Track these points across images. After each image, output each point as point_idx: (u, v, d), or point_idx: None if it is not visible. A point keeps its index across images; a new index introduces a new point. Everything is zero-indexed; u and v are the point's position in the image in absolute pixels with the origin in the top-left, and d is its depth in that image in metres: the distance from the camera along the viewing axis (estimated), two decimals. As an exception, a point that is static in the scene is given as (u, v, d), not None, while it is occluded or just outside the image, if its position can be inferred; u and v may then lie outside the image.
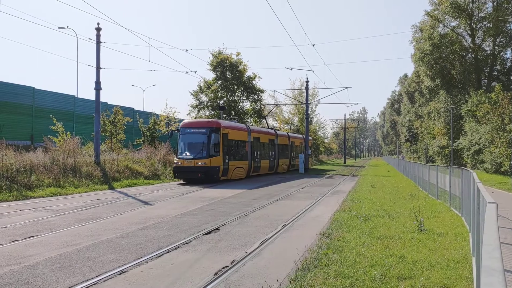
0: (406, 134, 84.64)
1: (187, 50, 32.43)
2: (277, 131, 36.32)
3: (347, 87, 41.07)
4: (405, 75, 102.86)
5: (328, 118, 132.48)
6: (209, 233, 9.26)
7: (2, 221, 10.47)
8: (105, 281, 5.85)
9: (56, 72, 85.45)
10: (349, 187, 21.90)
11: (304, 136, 42.86)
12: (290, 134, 40.79)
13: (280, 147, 35.43)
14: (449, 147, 46.39)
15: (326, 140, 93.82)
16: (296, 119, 66.62)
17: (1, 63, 76.12)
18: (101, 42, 26.31)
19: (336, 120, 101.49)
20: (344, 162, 76.57)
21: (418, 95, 70.56)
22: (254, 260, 7.05)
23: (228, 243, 8.30)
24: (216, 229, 9.70)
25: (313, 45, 33.11)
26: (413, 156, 77.60)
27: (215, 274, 6.20)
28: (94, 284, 5.71)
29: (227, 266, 6.59)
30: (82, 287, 5.55)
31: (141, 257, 7.08)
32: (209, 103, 42.76)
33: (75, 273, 6.16)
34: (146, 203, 14.39)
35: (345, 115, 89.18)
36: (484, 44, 46.82)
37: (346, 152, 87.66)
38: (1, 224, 10.17)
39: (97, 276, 6.02)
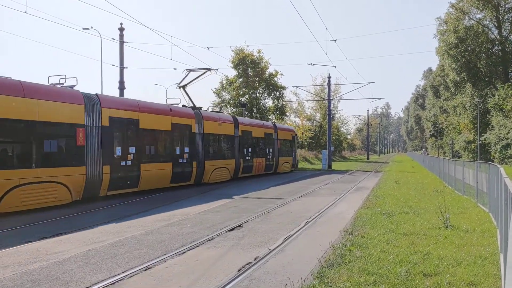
0: (431, 129, 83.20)
1: (208, 48, 32.58)
2: (277, 124, 31.51)
3: (369, 82, 40.57)
4: (430, 69, 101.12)
5: (350, 114, 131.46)
6: (232, 230, 9.31)
7: (30, 218, 10.75)
8: (131, 277, 5.95)
9: (81, 72, 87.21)
10: (372, 183, 21.68)
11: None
12: (290, 127, 36.12)
13: (281, 143, 30.13)
14: (476, 142, 45.41)
15: (349, 136, 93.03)
16: (318, 116, 66.28)
17: (27, 64, 78.14)
18: (124, 42, 26.74)
19: (359, 115, 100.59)
20: (368, 158, 75.77)
21: (443, 89, 69.21)
22: (277, 257, 7.06)
23: (251, 239, 8.33)
24: (239, 226, 9.75)
25: (335, 40, 32.84)
26: (439, 151, 76.24)
27: (239, 270, 6.23)
28: (120, 280, 5.82)
29: (250, 263, 6.62)
30: (109, 283, 5.66)
31: (165, 254, 7.18)
32: (231, 101, 42.89)
33: (101, 269, 6.29)
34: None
35: (368, 110, 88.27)
36: (511, 36, 45.58)
37: (369, 148, 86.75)
38: (30, 221, 10.45)
39: (123, 272, 6.13)
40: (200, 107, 21.31)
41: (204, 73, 21.63)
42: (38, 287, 5.49)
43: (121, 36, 26.67)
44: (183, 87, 21.49)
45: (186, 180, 19.08)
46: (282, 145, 30.26)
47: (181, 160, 18.56)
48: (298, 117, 66.02)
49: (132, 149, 15.80)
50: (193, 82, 21.69)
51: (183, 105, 20.42)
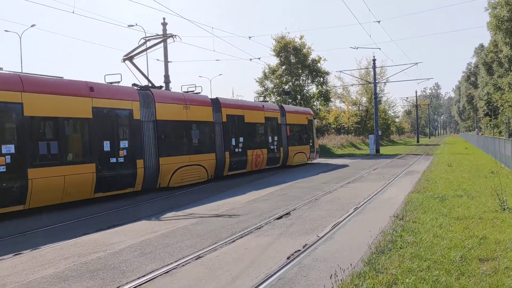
0: (485, 108, 79.41)
1: (250, 37, 32.64)
2: (285, 106, 25.85)
3: (417, 63, 39.19)
4: (481, 46, 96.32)
5: (398, 96, 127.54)
6: (280, 218, 9.36)
7: (87, 211, 11.27)
8: (183, 265, 6.13)
9: (127, 68, 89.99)
10: (423, 166, 21.05)
11: None
12: (306, 110, 28.84)
13: (291, 129, 24.60)
14: (535, 120, 42.95)
15: (397, 120, 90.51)
16: (364, 100, 64.86)
17: (76, 62, 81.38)
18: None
19: (407, 98, 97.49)
20: (417, 141, 73.51)
21: (496, 66, 65.72)
22: (326, 244, 7.03)
23: (300, 227, 8.34)
24: (287, 213, 9.77)
25: (379, 21, 31.95)
26: (494, 131, 72.79)
27: (288, 258, 6.27)
28: (173, 268, 6.00)
29: (299, 250, 6.64)
30: (163, 272, 5.86)
31: (215, 243, 7.32)
32: (274, 89, 42.77)
33: (155, 259, 6.51)
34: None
35: (416, 92, 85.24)
36: None
37: (419, 131, 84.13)
38: (88, 213, 10.95)
39: (175, 261, 6.32)
40: (156, 86, 16.57)
41: (161, 41, 17.76)
42: (97, 276, 5.76)
43: (164, 30, 27.13)
44: (129, 59, 16.32)
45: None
46: (293, 131, 24.86)
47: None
48: (343, 102, 64.94)
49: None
50: (143, 52, 16.87)
51: (134, 84, 15.75)
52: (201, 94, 18.23)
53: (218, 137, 18.18)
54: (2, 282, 5.68)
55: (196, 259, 6.44)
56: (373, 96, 41.74)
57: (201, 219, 9.54)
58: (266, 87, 43.46)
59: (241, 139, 19.51)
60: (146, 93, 15.03)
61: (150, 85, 16.34)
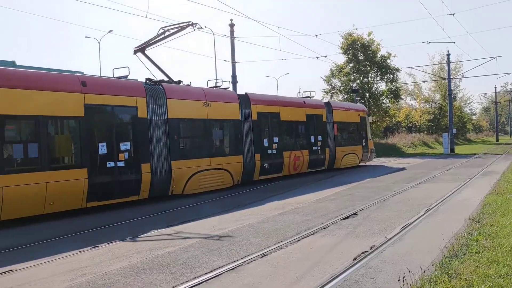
0: None
1: (316, 35, 32.42)
2: (332, 102, 23.33)
3: (495, 57, 36.71)
4: None
5: (475, 92, 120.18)
6: (347, 218, 9.19)
7: (158, 208, 11.75)
8: (248, 263, 6.21)
9: (197, 69, 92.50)
10: (503, 167, 19.71)
11: None
12: (358, 106, 26.63)
13: (340, 128, 22.07)
14: None
15: (473, 117, 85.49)
16: (437, 97, 61.90)
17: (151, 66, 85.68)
18: (234, 37, 27.66)
19: (485, 94, 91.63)
20: (497, 140, 68.91)
21: None
22: (395, 246, 6.80)
23: (367, 228, 8.14)
24: (354, 214, 9.58)
25: (453, 14, 30.31)
26: None
27: (354, 259, 6.14)
28: (239, 265, 6.10)
29: (366, 252, 6.48)
30: (229, 268, 5.97)
31: (281, 241, 7.34)
32: (341, 87, 42.05)
33: (222, 255, 6.64)
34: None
35: (495, 87, 79.80)
36: None
37: (498, 129, 78.85)
38: (159, 210, 11.42)
39: (241, 258, 6.41)
40: (174, 81, 14.85)
41: (178, 30, 14.88)
42: (167, 270, 5.99)
43: (232, 32, 27.61)
44: (141, 50, 14.77)
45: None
46: (341, 130, 22.47)
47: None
48: (415, 99, 62.38)
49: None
50: (158, 43, 15.06)
51: (148, 79, 14.12)
52: (229, 90, 16.84)
53: (247, 137, 16.18)
54: (82, 272, 6.07)
55: (262, 257, 6.49)
56: (447, 93, 39.79)
57: (267, 217, 9.60)
58: (333, 85, 42.84)
59: (275, 139, 17.40)
60: (155, 88, 13.25)
61: (167, 79, 14.67)
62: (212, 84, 16.35)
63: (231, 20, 27.79)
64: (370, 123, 26.52)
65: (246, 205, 11.62)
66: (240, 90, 23.75)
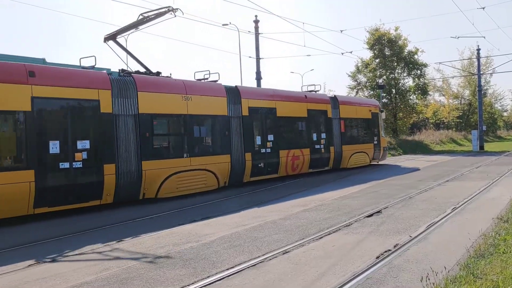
0: None
1: (341, 31, 32.03)
2: (338, 96, 20.89)
3: (529, 51, 35.53)
4: None
5: (506, 88, 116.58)
6: (370, 215, 9.08)
7: (180, 204, 11.88)
8: (270, 259, 6.21)
9: (221, 66, 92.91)
10: (535, 165, 19.12)
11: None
12: (370, 101, 25.16)
13: (348, 125, 20.41)
14: None
15: (505, 114, 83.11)
16: (467, 93, 60.45)
17: (176, 63, 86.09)
18: (259, 33, 27.67)
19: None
20: (530, 137, 66.89)
21: None
22: (419, 245, 6.69)
23: (391, 226, 8.03)
24: (378, 211, 9.46)
25: (483, 8, 29.57)
26: None
27: (377, 257, 6.07)
28: (260, 262, 6.11)
29: (389, 250, 6.39)
30: (250, 265, 5.99)
31: (303, 238, 7.31)
32: (367, 83, 41.54)
33: (243, 251, 6.67)
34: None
35: (528, 83, 77.46)
36: None
37: (531, 126, 76.39)
38: (181, 206, 11.54)
39: (263, 255, 6.42)
40: (153, 72, 13.53)
41: (157, 15, 13.38)
42: (189, 265, 6.05)
43: (256, 28, 27.64)
44: (112, 37, 13.28)
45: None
46: (349, 127, 20.78)
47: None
48: (443, 95, 61.11)
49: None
50: (133, 29, 13.59)
51: (121, 70, 12.79)
52: (217, 82, 14.80)
53: (236, 134, 14.72)
54: (106, 266, 6.19)
55: (283, 253, 6.49)
56: (477, 89, 38.76)
57: (289, 214, 9.58)
58: (358, 81, 42.38)
59: (270, 137, 15.99)
60: (123, 80, 11.87)
61: (145, 71, 13.41)
62: (200, 76, 14.84)
63: (256, 16, 27.79)
64: (383, 119, 24.91)
65: (268, 202, 11.63)
66: (264, 87, 23.21)
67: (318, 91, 19.91)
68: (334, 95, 20.68)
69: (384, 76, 41.10)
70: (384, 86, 37.76)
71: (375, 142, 22.21)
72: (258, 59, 27.30)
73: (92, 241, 7.79)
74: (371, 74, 41.03)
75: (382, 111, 23.85)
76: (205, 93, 13.90)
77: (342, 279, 5.28)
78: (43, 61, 18.42)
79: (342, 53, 33.75)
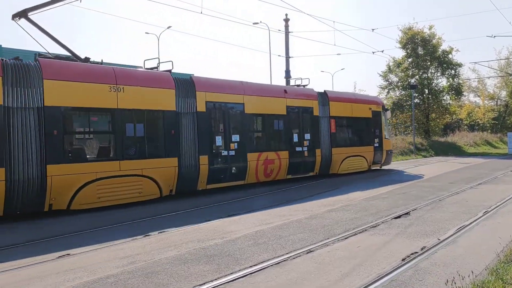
0: None
1: (373, 29, 31.54)
2: (329, 92, 18.18)
3: None
4: None
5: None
6: (398, 217, 8.93)
7: (209, 200, 11.98)
8: (293, 258, 6.19)
9: (250, 64, 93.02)
10: None
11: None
12: (371, 98, 21.46)
13: (339, 124, 18.01)
14: None
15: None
16: (503, 93, 58.51)
17: (203, 61, 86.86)
18: (289, 32, 27.61)
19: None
20: None
21: None
22: (448, 248, 6.53)
23: (419, 228, 7.87)
24: (407, 213, 9.28)
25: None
26: None
27: (403, 259, 5.96)
28: (284, 260, 6.10)
29: (416, 252, 6.27)
30: (274, 263, 5.99)
31: (328, 238, 7.26)
32: (399, 83, 40.80)
33: (267, 249, 6.67)
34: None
35: None
36: None
37: None
38: (210, 202, 11.64)
39: (287, 253, 6.41)
40: (82, 58, 11.39)
41: None
42: (213, 262, 6.10)
43: (286, 27, 27.62)
44: (23, 14, 11.06)
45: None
46: (341, 126, 18.39)
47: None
48: (479, 96, 59.31)
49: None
50: (48, 6, 11.28)
51: (39, 54, 10.99)
52: (164, 72, 12.62)
53: (187, 134, 12.52)
54: (133, 259, 6.32)
55: (307, 253, 6.46)
56: (515, 89, 37.49)
57: (315, 214, 9.52)
58: (390, 81, 41.67)
59: (234, 138, 13.79)
60: (22, 65, 9.80)
61: (70, 56, 11.46)
62: (152, 64, 12.86)
63: (286, 15, 27.77)
64: (387, 118, 22.19)
65: (294, 201, 11.59)
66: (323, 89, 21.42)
67: (306, 85, 17.50)
68: (324, 90, 18.04)
69: (417, 76, 40.27)
70: (416, 86, 36.98)
71: (376, 145, 19.72)
72: (287, 57, 27.26)
73: (119, 235, 7.97)
74: (403, 73, 40.27)
75: (386, 110, 21.46)
76: (144, 84, 11.58)
77: (366, 280, 5.22)
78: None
79: (373, 52, 33.22)
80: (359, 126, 19.22)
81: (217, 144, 13.35)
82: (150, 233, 8.02)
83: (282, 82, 27.62)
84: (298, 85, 17.49)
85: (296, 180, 15.96)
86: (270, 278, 5.41)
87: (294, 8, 32.43)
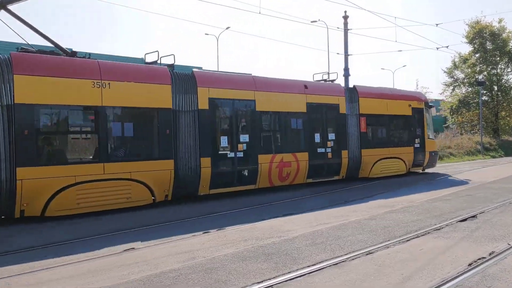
0: None
1: (437, 24, 30.21)
2: (358, 87, 16.57)
3: None
4: None
5: None
6: (464, 220, 8.51)
7: (265, 199, 12.04)
8: (352, 259, 6.09)
9: (309, 63, 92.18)
10: None
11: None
12: (411, 93, 19.46)
13: (371, 123, 16.48)
14: None
15: None
16: None
17: (263, 60, 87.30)
18: (348, 29, 27.13)
19: None
20: None
21: None
22: (519, 254, 6.15)
23: (487, 232, 7.47)
24: (473, 216, 8.83)
25: None
26: None
27: (469, 264, 5.68)
28: (342, 261, 6.01)
29: (483, 258, 5.96)
30: (332, 263, 5.91)
31: (388, 240, 7.07)
32: (465, 79, 38.89)
33: (325, 250, 6.60)
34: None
35: None
36: None
37: None
38: (266, 201, 11.71)
39: (345, 254, 6.31)
40: (69, 52, 10.62)
41: None
42: (271, 260, 6.12)
43: (345, 24, 27.11)
44: (2, 5, 10.12)
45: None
46: (374, 125, 16.85)
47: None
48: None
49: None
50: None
51: (22, 49, 10.21)
52: (163, 66, 11.69)
53: (185, 134, 11.49)
54: (193, 255, 6.49)
55: (367, 254, 6.32)
56: None
57: (375, 215, 9.30)
58: (455, 77, 39.83)
59: (243, 138, 12.65)
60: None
61: (54, 49, 10.66)
62: (153, 58, 11.97)
63: (345, 12, 27.25)
64: (432, 116, 19.82)
65: (352, 202, 11.40)
66: (351, 84, 21.74)
67: (334, 80, 16.20)
68: (354, 86, 16.68)
69: (485, 72, 38.18)
70: (484, 82, 35.07)
71: (417, 145, 17.82)
72: (346, 55, 26.77)
73: (180, 231, 8.22)
74: (469, 69, 38.34)
75: (430, 107, 19.36)
76: (134, 79, 10.67)
77: (429, 284, 5.02)
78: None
79: (437, 48, 32.05)
80: (396, 125, 17.63)
81: (222, 145, 12.25)
82: (209, 230, 8.21)
83: (341, 81, 27.19)
84: (325, 80, 16.13)
85: (350, 181, 15.64)
86: (328, 278, 5.35)
87: (354, 4, 31.78)
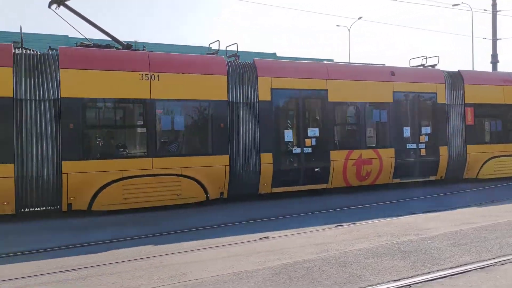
0: None
1: None
2: (463, 72, 14.24)
3: None
4: None
5: None
6: None
7: (396, 195, 11.55)
8: (502, 264, 5.54)
9: (448, 50, 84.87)
10: None
11: None
12: None
13: (479, 114, 14.06)
14: None
15: None
16: None
17: (396, 49, 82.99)
18: (497, 11, 24.60)
19: None
20: None
21: None
22: None
23: None
24: None
25: None
26: None
27: None
28: (490, 265, 5.50)
29: None
30: (477, 267, 5.45)
31: (547, 246, 6.28)
32: None
33: (470, 252, 6.11)
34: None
35: None
36: None
37: None
38: (397, 197, 11.24)
39: (493, 258, 5.76)
40: (125, 44, 10.74)
41: None
42: (408, 258, 5.86)
43: (494, 5, 24.60)
44: (60, 1, 10.16)
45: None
46: (485, 117, 14.48)
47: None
48: None
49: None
50: None
51: (83, 44, 10.48)
52: (216, 56, 11.18)
53: (243, 128, 10.78)
54: (326, 247, 6.53)
55: (519, 260, 5.70)
56: None
57: (530, 217, 8.34)
58: None
59: (312, 132, 11.58)
60: (31, 55, 9.23)
61: (109, 43, 10.76)
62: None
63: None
64: None
65: (501, 201, 10.37)
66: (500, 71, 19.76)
67: (435, 65, 13.99)
68: (458, 70, 14.13)
69: None
70: None
71: None
72: (494, 40, 24.29)
73: (314, 222, 8.36)
74: None
75: None
76: (185, 71, 10.26)
77: None
78: (274, 55, 19.98)
79: None
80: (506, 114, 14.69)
81: (286, 140, 11.36)
82: (342, 223, 8.18)
83: (488, 68, 24.76)
84: (423, 66, 13.99)
85: (500, 178, 14.10)
86: (473, 282, 4.94)
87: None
